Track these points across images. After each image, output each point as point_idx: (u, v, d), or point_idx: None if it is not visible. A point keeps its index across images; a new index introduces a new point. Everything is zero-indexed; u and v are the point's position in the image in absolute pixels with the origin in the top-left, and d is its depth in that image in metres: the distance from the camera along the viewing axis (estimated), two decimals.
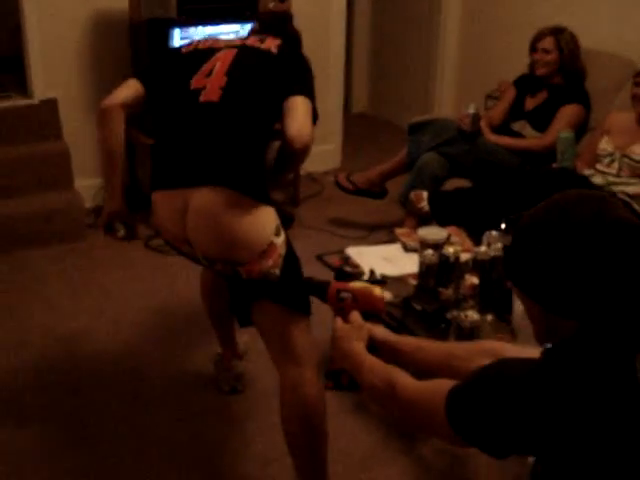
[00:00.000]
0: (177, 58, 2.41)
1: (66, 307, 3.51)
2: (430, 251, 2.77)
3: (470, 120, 3.99)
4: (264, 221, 2.12)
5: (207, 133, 2.16)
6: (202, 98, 2.20)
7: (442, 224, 3.32)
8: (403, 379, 1.50)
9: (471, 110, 4.00)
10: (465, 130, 4.00)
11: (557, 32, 3.99)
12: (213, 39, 2.47)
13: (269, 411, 2.70)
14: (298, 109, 2.21)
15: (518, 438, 1.28)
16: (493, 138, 4.06)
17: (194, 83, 2.25)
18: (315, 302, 2.03)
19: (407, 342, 1.76)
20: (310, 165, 4.43)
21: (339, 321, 1.76)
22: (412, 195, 3.85)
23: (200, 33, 3.96)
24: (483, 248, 2.74)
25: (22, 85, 4.34)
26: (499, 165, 3.93)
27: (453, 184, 4.06)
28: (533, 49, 4.05)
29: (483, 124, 4.08)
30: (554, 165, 3.77)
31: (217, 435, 2.71)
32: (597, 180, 3.56)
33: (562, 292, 1.27)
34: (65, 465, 2.55)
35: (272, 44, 2.37)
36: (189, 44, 2.45)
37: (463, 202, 3.74)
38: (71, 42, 4.26)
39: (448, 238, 2.94)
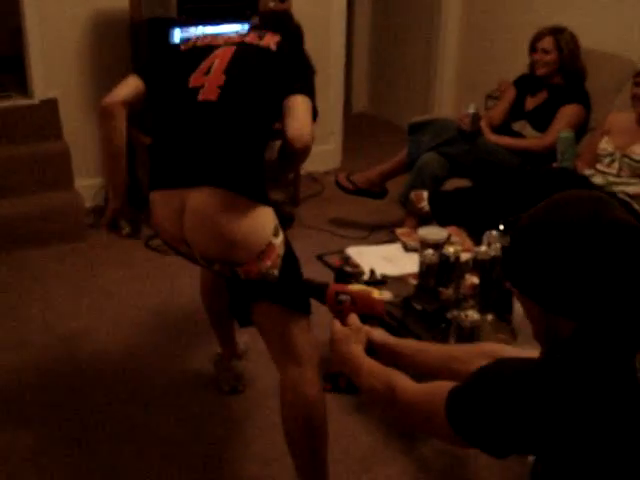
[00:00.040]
0: (175, 55, 2.39)
1: (66, 307, 3.51)
2: (430, 251, 2.77)
3: (470, 120, 3.99)
4: (262, 222, 2.11)
5: (205, 133, 2.15)
6: (200, 97, 2.18)
7: (442, 224, 3.32)
8: (402, 382, 1.49)
9: (471, 110, 4.00)
10: (465, 130, 4.00)
11: (557, 32, 3.99)
12: (212, 36, 2.44)
13: (269, 411, 2.70)
14: (298, 108, 2.20)
15: (518, 437, 1.28)
16: (493, 138, 4.06)
17: (192, 81, 2.23)
18: (314, 302, 2.03)
19: (407, 345, 1.76)
20: (310, 165, 4.43)
21: (337, 324, 1.75)
22: (412, 195, 3.85)
23: (200, 33, 3.95)
24: (483, 248, 2.74)
25: (22, 85, 4.34)
26: (499, 165, 3.93)
27: (453, 184, 4.06)
28: (533, 49, 4.05)
29: (483, 124, 4.08)
30: (554, 165, 3.77)
31: (217, 435, 2.71)
32: (597, 180, 3.56)
33: (560, 292, 1.28)
34: (65, 464, 2.55)
35: (271, 41, 2.34)
36: (187, 41, 2.43)
37: (463, 202, 3.74)
38: (71, 42, 4.26)
39: (448, 238, 2.94)
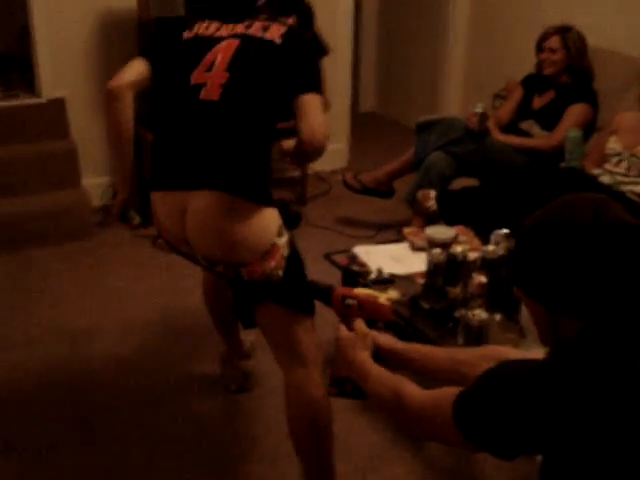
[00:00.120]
0: (178, 45, 2.30)
1: (73, 305, 3.51)
2: (438, 250, 2.76)
3: (477, 119, 3.98)
4: (266, 223, 2.09)
5: (207, 134, 2.11)
6: (202, 96, 2.14)
7: (450, 223, 3.31)
8: (410, 388, 1.49)
9: (478, 109, 3.99)
10: (473, 129, 3.99)
11: (564, 31, 3.98)
12: (215, 25, 2.33)
13: (276, 409, 2.69)
14: (310, 108, 2.11)
15: (527, 438, 1.28)
16: (501, 137, 4.05)
17: (194, 78, 2.17)
18: (318, 302, 2.02)
19: (414, 350, 1.74)
20: (318, 164, 4.41)
21: (343, 330, 1.72)
22: (420, 194, 3.85)
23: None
24: (491, 247, 2.73)
25: (30, 84, 4.35)
26: (507, 164, 3.92)
27: (460, 183, 4.06)
28: (540, 48, 4.04)
29: (491, 123, 4.07)
30: (562, 164, 3.76)
31: (225, 434, 2.72)
32: (605, 179, 3.55)
33: (565, 292, 1.30)
34: (73, 463, 2.55)
35: (276, 33, 2.22)
36: (190, 28, 2.32)
37: (471, 201, 3.73)
38: (79, 41, 4.27)
39: (456, 237, 2.94)
